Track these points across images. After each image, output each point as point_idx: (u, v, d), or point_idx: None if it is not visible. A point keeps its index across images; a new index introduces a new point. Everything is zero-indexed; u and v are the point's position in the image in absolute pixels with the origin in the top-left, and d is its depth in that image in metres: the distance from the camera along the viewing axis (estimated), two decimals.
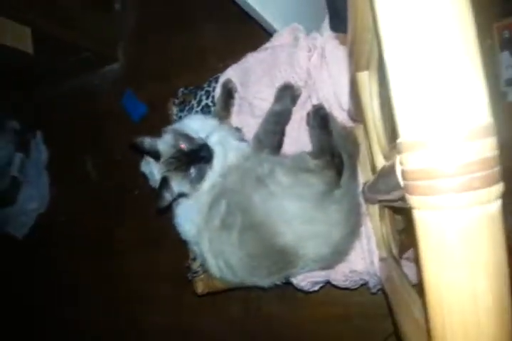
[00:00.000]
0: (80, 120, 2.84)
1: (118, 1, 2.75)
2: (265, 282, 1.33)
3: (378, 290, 1.53)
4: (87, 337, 2.69)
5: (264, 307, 2.22)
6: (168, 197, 1.31)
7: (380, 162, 0.96)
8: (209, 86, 1.63)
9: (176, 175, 1.31)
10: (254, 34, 1.84)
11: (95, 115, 2.77)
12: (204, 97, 1.62)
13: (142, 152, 1.34)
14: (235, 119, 1.56)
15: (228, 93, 1.55)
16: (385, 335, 1.76)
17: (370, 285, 1.48)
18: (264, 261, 1.27)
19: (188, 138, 1.32)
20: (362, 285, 1.53)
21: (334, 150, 1.29)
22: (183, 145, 1.30)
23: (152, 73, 2.58)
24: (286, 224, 1.21)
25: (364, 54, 0.80)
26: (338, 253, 1.31)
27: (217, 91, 1.58)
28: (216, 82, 1.59)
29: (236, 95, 1.56)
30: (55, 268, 2.79)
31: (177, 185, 1.31)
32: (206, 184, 1.33)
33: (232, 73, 1.55)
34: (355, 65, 0.90)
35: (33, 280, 2.87)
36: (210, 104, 1.61)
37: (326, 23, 1.36)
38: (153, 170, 1.35)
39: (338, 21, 1.17)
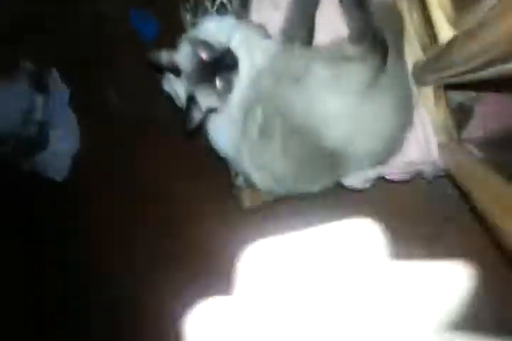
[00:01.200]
0: (92, 49, 2.66)
1: None
2: (315, 187, 1.27)
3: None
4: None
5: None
6: (197, 115, 1.23)
7: (445, 33, 0.80)
8: None
9: (201, 90, 1.22)
10: None
11: (107, 41, 2.58)
12: None
13: (160, 68, 1.23)
14: (255, 16, 1.39)
15: None
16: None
17: (426, 175, 1.42)
18: (313, 166, 1.21)
19: (207, 45, 1.20)
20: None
21: (375, 30, 1.15)
22: (204, 55, 1.19)
23: None
24: (331, 124, 1.13)
25: None
26: (392, 146, 1.25)
27: None
28: None
29: None
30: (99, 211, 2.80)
31: (204, 100, 1.22)
32: (236, 93, 1.23)
33: None
34: None
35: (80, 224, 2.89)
36: (226, 1, 1.44)
37: None
38: (176, 87, 1.25)
39: None
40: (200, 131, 1.34)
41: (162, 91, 1.35)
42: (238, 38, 1.24)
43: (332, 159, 1.19)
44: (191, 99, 1.22)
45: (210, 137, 1.36)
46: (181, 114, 1.27)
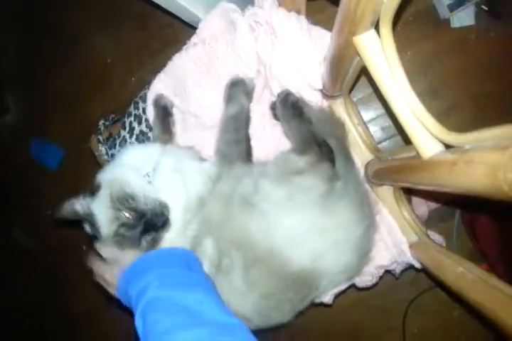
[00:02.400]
0: None
1: None
2: (287, 317, 1.09)
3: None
4: None
5: None
6: None
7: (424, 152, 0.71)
8: (136, 108, 1.31)
9: (124, 250, 1.02)
10: (164, 32, 1.57)
11: (8, 178, 2.36)
12: (136, 123, 1.30)
13: (74, 221, 1.05)
14: (182, 138, 1.28)
15: (164, 111, 1.26)
16: (406, 305, 1.66)
17: (396, 272, 1.32)
18: (283, 296, 1.04)
19: (129, 200, 1.02)
20: None
21: (318, 138, 1.07)
22: (127, 215, 1.01)
23: (54, 110, 2.17)
24: (295, 245, 0.99)
25: (375, 8, 0.57)
26: (364, 255, 1.12)
27: (150, 112, 1.28)
28: (144, 101, 1.28)
29: (175, 110, 1.27)
30: None
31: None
32: (172, 234, 1.05)
33: (161, 85, 1.25)
34: (352, 27, 0.66)
35: None
36: (146, 129, 1.30)
37: None
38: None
39: None
40: None
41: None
42: (167, 165, 1.09)
43: (303, 283, 1.03)
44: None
45: None
46: None
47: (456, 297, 0.90)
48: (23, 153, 2.24)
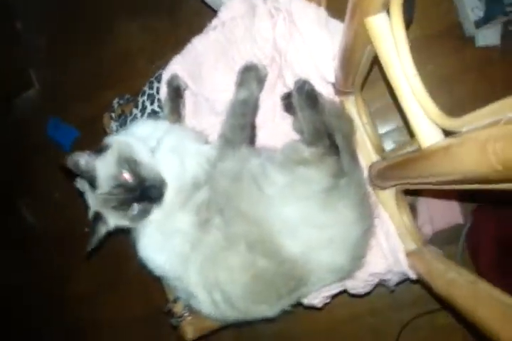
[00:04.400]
0: (3, 161, 2.45)
1: (19, 20, 2.38)
2: (272, 310, 1.08)
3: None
4: None
5: None
6: (101, 231, 1.06)
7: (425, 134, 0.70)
8: (151, 88, 1.32)
9: (112, 212, 1.05)
10: (193, 20, 1.59)
11: (21, 152, 2.40)
12: (148, 103, 1.32)
13: (76, 174, 1.05)
14: (192, 121, 1.29)
15: (176, 92, 1.27)
16: (400, 327, 1.62)
17: (391, 283, 1.29)
18: (273, 283, 1.03)
19: (134, 164, 1.04)
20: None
21: (329, 130, 1.06)
22: (127, 177, 1.02)
23: (75, 92, 2.23)
24: (291, 233, 0.99)
25: None
26: (357, 258, 1.10)
27: (163, 92, 1.29)
28: (159, 81, 1.29)
29: (188, 92, 1.28)
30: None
31: (114, 219, 1.07)
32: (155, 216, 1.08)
33: (177, 66, 1.26)
34: (365, 8, 0.66)
35: None
36: (157, 109, 1.31)
37: None
38: (87, 195, 1.08)
39: None
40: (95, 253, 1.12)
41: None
42: (168, 144, 1.11)
43: (293, 274, 1.02)
44: (98, 216, 1.05)
45: (140, 255, 1.14)
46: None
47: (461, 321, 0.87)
48: (40, 130, 2.29)
